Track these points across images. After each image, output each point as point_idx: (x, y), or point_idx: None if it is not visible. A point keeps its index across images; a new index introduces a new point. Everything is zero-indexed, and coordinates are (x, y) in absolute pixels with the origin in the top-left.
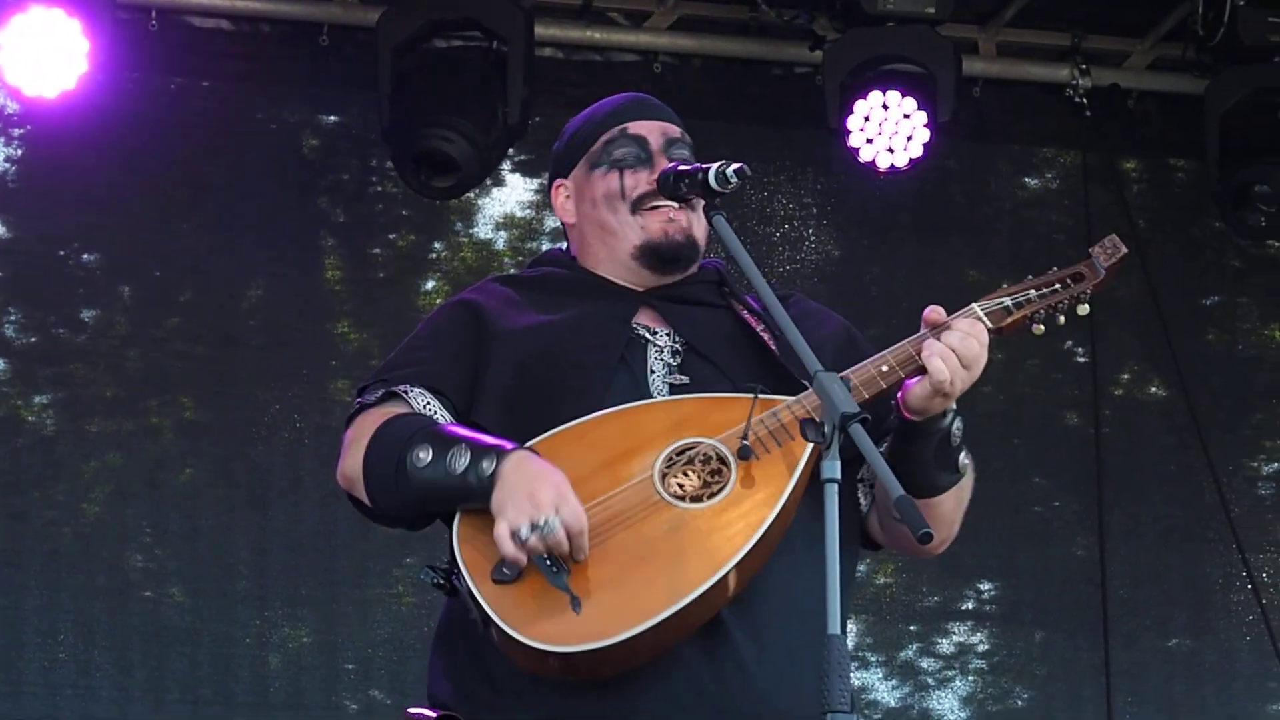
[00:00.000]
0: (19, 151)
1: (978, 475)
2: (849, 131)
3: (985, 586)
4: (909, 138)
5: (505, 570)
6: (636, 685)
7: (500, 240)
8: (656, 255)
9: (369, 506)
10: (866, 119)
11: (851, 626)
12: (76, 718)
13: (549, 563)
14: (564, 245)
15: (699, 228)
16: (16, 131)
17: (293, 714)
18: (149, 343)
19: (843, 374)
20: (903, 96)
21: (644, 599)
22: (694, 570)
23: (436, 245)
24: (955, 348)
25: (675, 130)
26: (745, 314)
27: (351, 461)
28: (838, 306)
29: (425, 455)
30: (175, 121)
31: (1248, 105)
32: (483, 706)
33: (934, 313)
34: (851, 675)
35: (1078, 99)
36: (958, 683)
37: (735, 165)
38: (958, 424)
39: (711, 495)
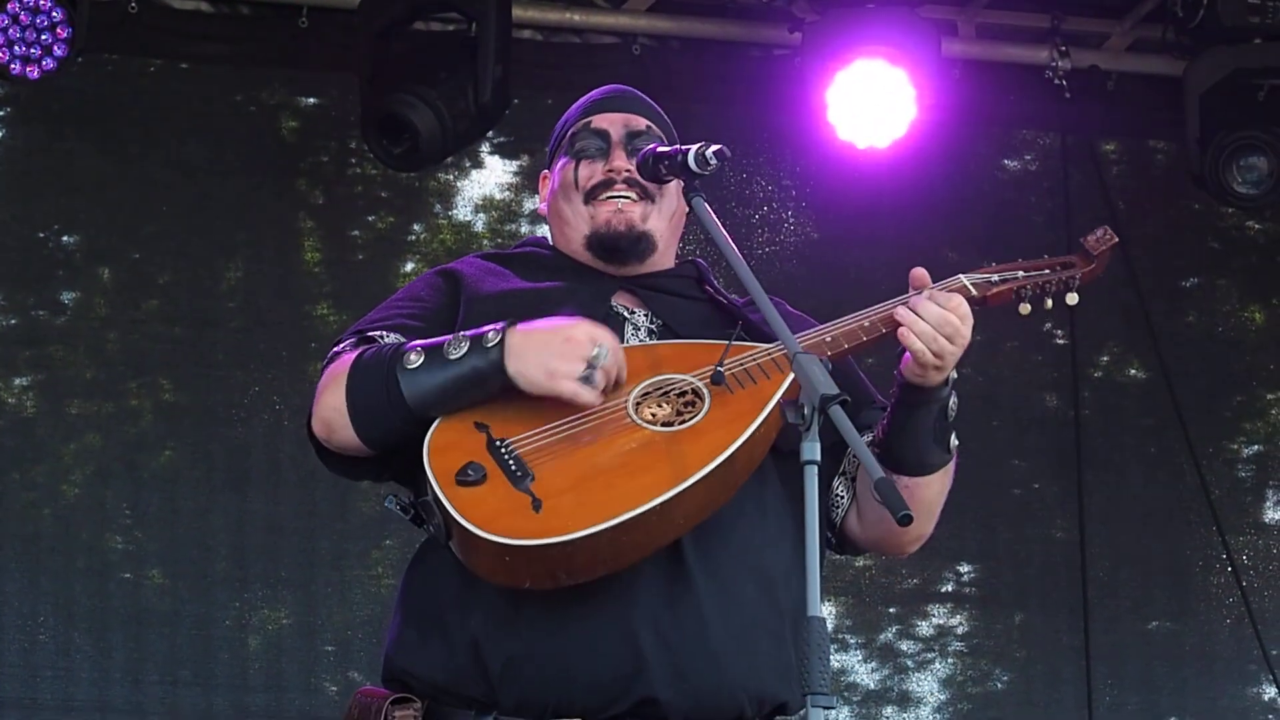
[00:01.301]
0: None
1: (958, 456)
2: (835, 101)
3: (964, 569)
4: (894, 115)
5: (470, 473)
6: (599, 629)
7: (479, 222)
8: (601, 245)
9: (343, 456)
10: (856, 91)
11: (830, 609)
12: (56, 699)
13: (514, 468)
14: (516, 225)
15: (657, 220)
16: None
17: (272, 695)
18: (128, 325)
19: (824, 326)
20: (897, 69)
21: (604, 502)
22: (658, 480)
23: (415, 227)
24: (932, 322)
25: (641, 123)
26: (725, 303)
27: (330, 399)
28: (816, 288)
29: (416, 358)
30: (154, 103)
31: (1227, 85)
32: (438, 654)
33: (919, 273)
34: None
35: (1057, 81)
36: (937, 665)
37: (715, 147)
38: (954, 400)
39: (684, 422)
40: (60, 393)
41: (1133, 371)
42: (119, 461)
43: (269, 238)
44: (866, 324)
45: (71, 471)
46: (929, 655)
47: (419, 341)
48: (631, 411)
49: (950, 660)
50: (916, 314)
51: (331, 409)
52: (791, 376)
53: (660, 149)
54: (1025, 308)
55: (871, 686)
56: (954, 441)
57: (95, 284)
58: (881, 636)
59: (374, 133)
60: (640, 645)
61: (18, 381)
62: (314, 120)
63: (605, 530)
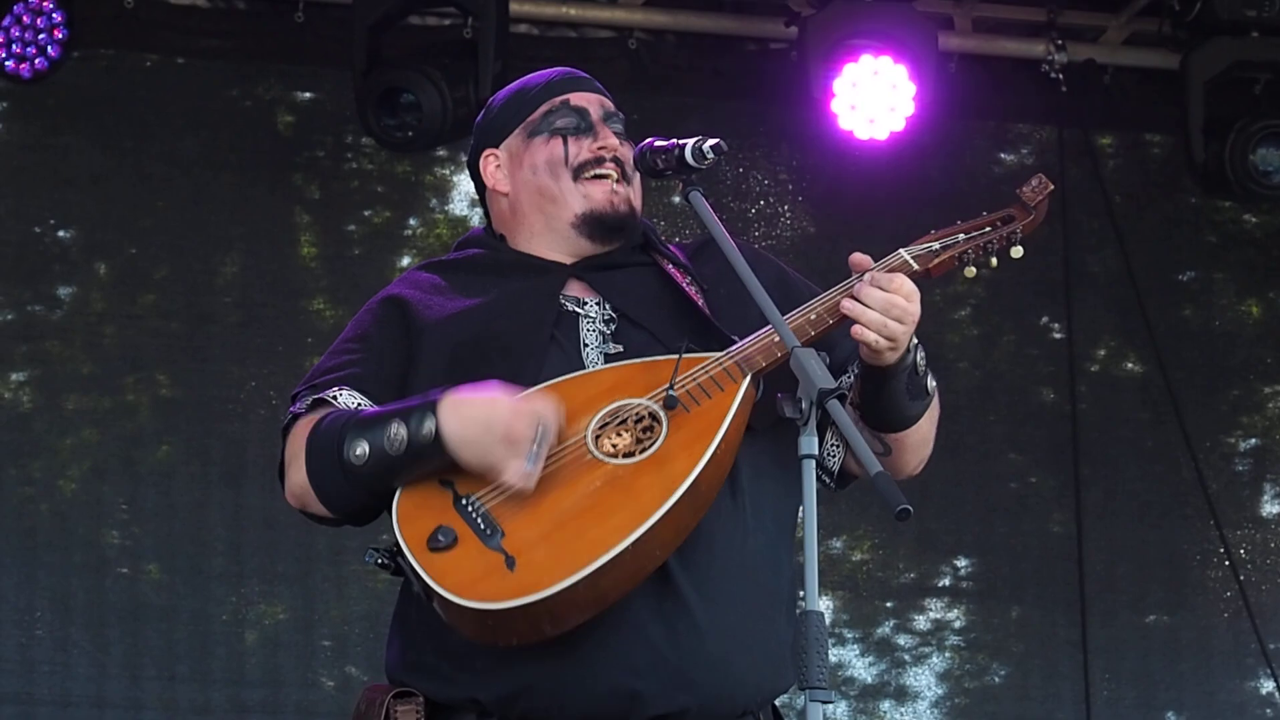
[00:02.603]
0: None
1: (953, 451)
2: (834, 95)
3: (962, 563)
4: (891, 109)
5: (440, 538)
6: (592, 652)
7: (475, 217)
8: (600, 224)
9: (321, 517)
10: (853, 85)
11: (827, 603)
12: (53, 694)
13: (483, 526)
14: (485, 224)
15: (636, 199)
16: None
17: (269, 690)
18: (125, 320)
19: (805, 306)
20: (894, 63)
21: (576, 551)
22: (625, 520)
23: (411, 222)
24: (878, 308)
25: (611, 105)
26: (671, 269)
27: (296, 479)
28: (813, 282)
29: (361, 450)
30: (150, 98)
31: (1224, 79)
32: (439, 680)
33: (859, 258)
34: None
35: (1053, 74)
36: (934, 659)
37: (712, 141)
38: (920, 354)
39: (644, 450)
40: (57, 388)
41: (1129, 365)
42: (116, 456)
43: (265, 232)
44: (813, 317)
45: (68, 466)
46: (926, 649)
47: (359, 422)
48: (591, 445)
49: (947, 654)
50: (862, 303)
51: (300, 486)
52: (746, 382)
53: (658, 142)
54: (970, 270)
55: (869, 681)
56: (931, 384)
57: (91, 279)
58: (879, 630)
59: (373, 109)
60: (638, 668)
61: (14, 376)
62: (310, 115)
63: (582, 580)
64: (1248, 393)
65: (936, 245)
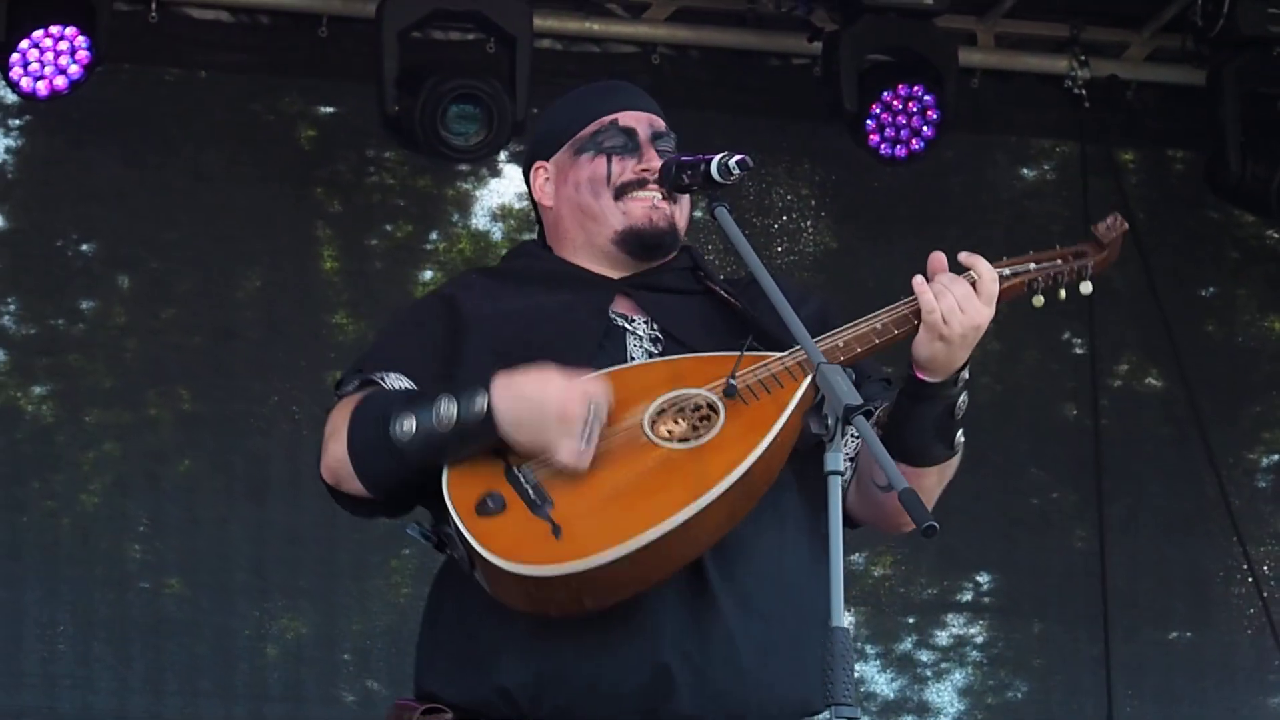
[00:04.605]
0: (18, 142)
1: (975, 466)
2: (856, 111)
3: (983, 578)
4: (915, 132)
5: (490, 503)
6: (624, 652)
7: (497, 231)
8: (640, 241)
9: (355, 497)
10: (876, 101)
11: (848, 618)
12: (75, 709)
13: (533, 495)
14: (535, 236)
15: (681, 218)
16: (15, 122)
17: (291, 705)
18: (147, 334)
19: (836, 330)
20: (925, 94)
21: (624, 525)
22: (677, 499)
23: (433, 236)
24: (947, 284)
25: (661, 124)
26: (723, 294)
27: (335, 452)
28: (835, 297)
29: (409, 425)
30: (173, 112)
31: (1249, 96)
32: (467, 676)
33: (938, 257)
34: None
35: (1076, 90)
36: (955, 675)
37: (737, 157)
38: (964, 399)
39: (699, 437)
40: (79, 402)
41: (1152, 381)
42: (138, 471)
43: (287, 246)
44: (879, 326)
45: (90, 481)
46: (947, 665)
47: (409, 398)
48: (647, 429)
49: (969, 670)
50: (942, 285)
51: (337, 460)
52: (807, 382)
53: (684, 158)
54: (1039, 300)
55: (890, 696)
56: (959, 439)
57: (114, 293)
58: (900, 646)
59: (424, 122)
60: (669, 666)
61: (36, 390)
62: (332, 129)
63: (626, 554)
64: (1270, 408)
65: (1007, 271)
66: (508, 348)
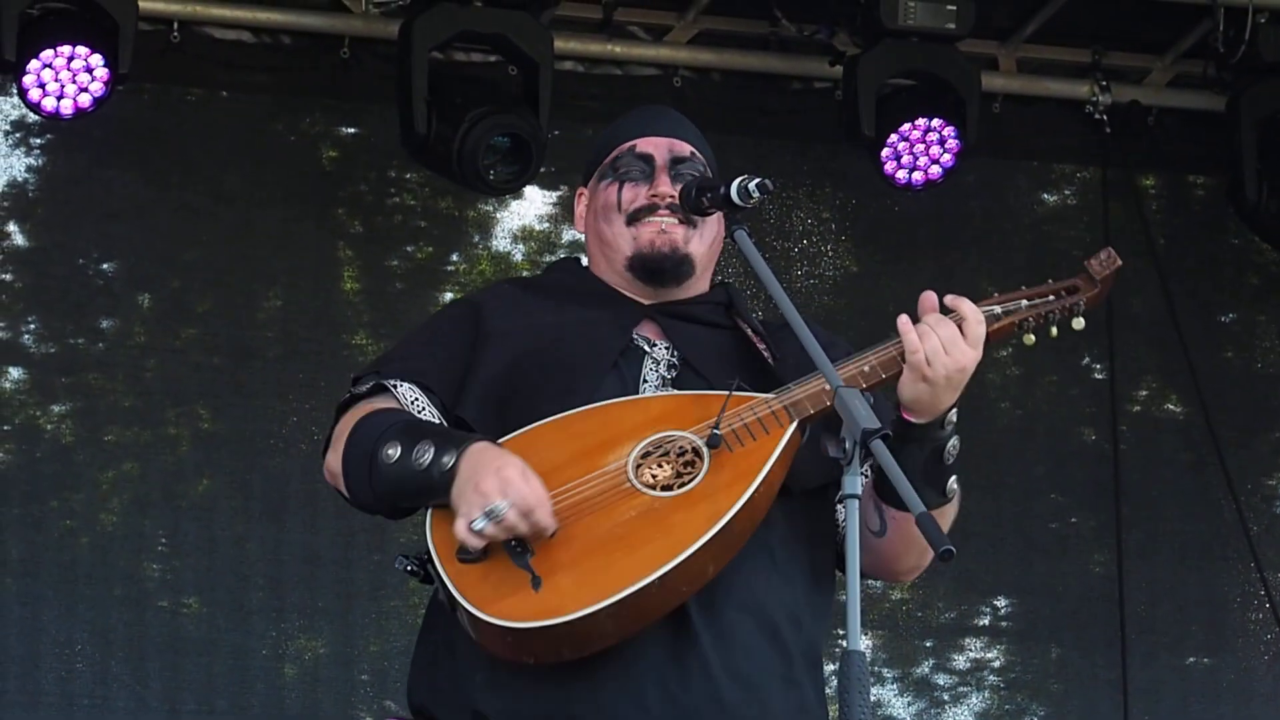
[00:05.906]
0: (40, 161)
1: (994, 490)
2: (877, 134)
3: (1001, 602)
4: (935, 148)
5: (469, 551)
6: (604, 686)
7: (518, 253)
8: (644, 265)
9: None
10: (904, 138)
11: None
12: None
13: (514, 544)
14: (581, 255)
15: (698, 244)
16: (37, 142)
17: None
18: (167, 353)
19: (860, 355)
20: (945, 125)
21: (604, 579)
22: (654, 554)
23: (454, 257)
24: (932, 325)
25: (685, 148)
26: (751, 334)
27: (334, 457)
28: (855, 321)
29: (394, 452)
30: (194, 132)
31: (1268, 123)
32: (451, 696)
33: (928, 296)
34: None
35: (1097, 115)
36: (973, 699)
37: (757, 180)
38: (954, 443)
39: (682, 485)
40: (98, 421)
41: (1171, 406)
42: (157, 490)
43: (308, 267)
44: (866, 369)
45: (109, 499)
46: (965, 689)
47: (403, 428)
48: (631, 474)
49: (986, 694)
50: (927, 325)
51: (332, 472)
52: (793, 427)
53: (703, 181)
54: (1030, 338)
55: None
56: (953, 486)
57: (134, 312)
58: (917, 670)
59: (467, 151)
60: (648, 705)
61: (56, 409)
62: (354, 150)
63: (604, 608)
64: None
65: (999, 310)
66: (524, 358)
